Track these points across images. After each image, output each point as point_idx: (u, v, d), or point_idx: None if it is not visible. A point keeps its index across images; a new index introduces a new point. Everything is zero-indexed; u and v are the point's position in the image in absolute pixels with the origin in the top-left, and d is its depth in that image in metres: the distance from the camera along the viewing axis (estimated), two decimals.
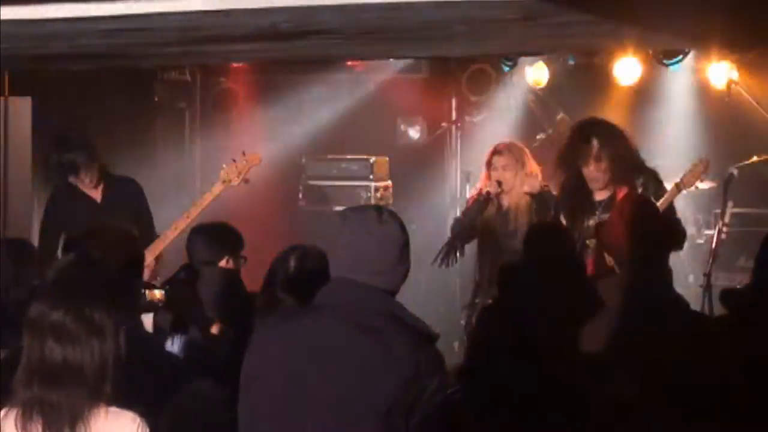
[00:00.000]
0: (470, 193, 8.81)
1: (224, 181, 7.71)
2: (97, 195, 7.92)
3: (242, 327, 4.84)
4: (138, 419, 3.63)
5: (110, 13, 5.14)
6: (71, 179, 7.83)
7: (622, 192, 7.10)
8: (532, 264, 5.59)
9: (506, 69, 10.36)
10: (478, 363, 5.23)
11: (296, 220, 11.05)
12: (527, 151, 8.35)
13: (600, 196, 7.22)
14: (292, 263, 5.11)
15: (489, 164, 8.26)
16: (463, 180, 10.74)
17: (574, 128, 7.52)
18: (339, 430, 3.71)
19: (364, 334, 3.76)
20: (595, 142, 7.12)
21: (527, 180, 8.10)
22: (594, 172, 7.15)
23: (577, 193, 7.26)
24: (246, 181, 7.74)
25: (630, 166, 7.17)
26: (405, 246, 3.87)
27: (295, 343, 3.84)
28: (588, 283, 5.89)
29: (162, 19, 5.36)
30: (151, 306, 5.05)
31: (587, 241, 7.09)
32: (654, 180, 7.21)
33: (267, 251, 5.48)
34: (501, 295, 5.84)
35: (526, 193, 8.13)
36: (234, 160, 7.77)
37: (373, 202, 10.78)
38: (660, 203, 6.98)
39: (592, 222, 7.13)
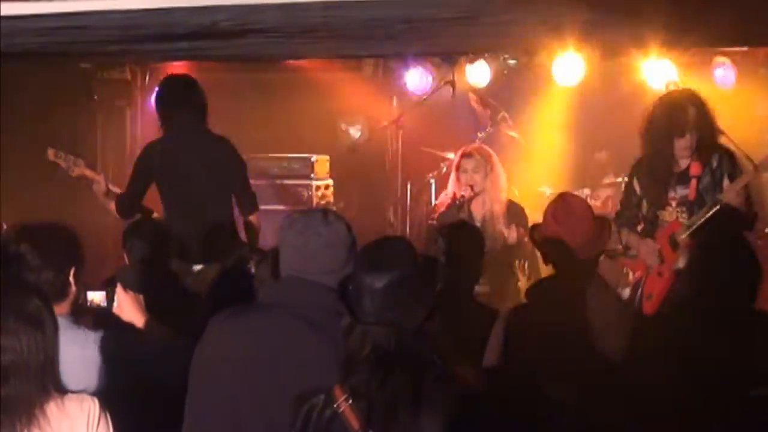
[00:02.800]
0: (440, 198, 8.69)
1: None
2: None
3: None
4: (96, 399, 3.68)
5: (49, 11, 5.09)
6: None
7: (695, 166, 6.76)
8: None
9: (448, 67, 10.37)
10: None
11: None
12: (494, 154, 8.32)
13: (675, 168, 6.83)
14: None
15: (458, 167, 8.25)
16: (404, 179, 10.73)
17: (667, 98, 6.98)
18: (285, 422, 3.72)
19: (311, 329, 3.82)
20: (692, 111, 6.71)
21: (498, 183, 8.07)
22: (688, 141, 6.72)
23: (665, 162, 6.81)
24: None
25: (713, 140, 6.82)
26: (352, 246, 3.97)
27: (245, 338, 3.90)
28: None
29: (102, 17, 5.32)
30: (91, 308, 4.99)
31: (657, 212, 6.84)
32: (728, 158, 6.80)
33: None
34: None
35: (505, 200, 8.13)
36: None
37: (314, 200, 10.77)
38: (735, 184, 6.64)
39: (672, 194, 6.79)
